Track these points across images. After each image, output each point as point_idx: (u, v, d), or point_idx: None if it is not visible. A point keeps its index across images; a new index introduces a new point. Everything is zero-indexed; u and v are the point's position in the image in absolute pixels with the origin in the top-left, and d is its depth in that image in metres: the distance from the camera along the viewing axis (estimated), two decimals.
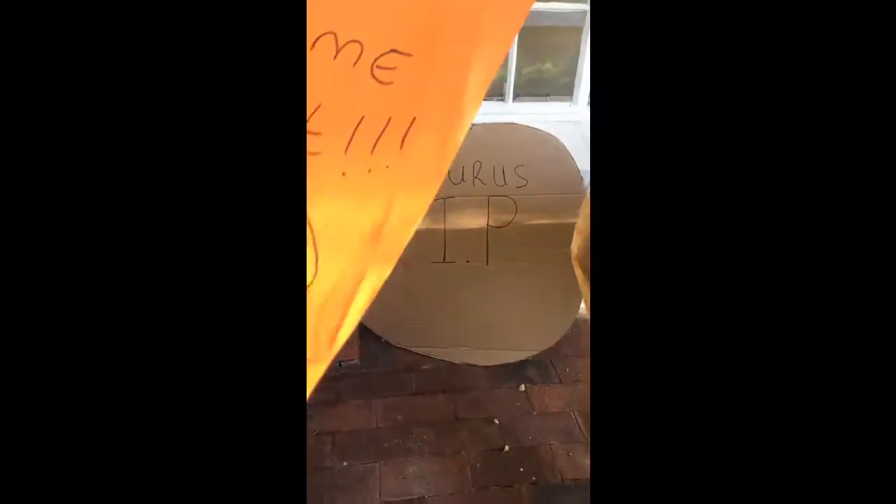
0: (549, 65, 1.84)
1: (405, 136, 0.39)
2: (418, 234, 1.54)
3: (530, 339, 1.62)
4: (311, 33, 0.37)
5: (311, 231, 0.40)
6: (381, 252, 0.41)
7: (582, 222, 0.76)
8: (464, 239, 1.59)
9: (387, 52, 0.38)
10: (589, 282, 0.80)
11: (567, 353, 1.67)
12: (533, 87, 1.83)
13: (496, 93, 1.75)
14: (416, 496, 1.25)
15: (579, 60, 1.71)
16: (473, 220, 1.58)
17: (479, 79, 0.39)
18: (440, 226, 1.57)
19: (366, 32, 0.38)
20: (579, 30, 1.67)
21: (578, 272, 0.80)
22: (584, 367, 1.65)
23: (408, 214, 0.41)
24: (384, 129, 0.39)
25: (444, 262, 1.61)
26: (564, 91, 1.80)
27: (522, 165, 1.52)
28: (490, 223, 1.58)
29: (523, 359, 1.64)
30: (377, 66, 0.38)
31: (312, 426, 1.43)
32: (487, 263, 1.60)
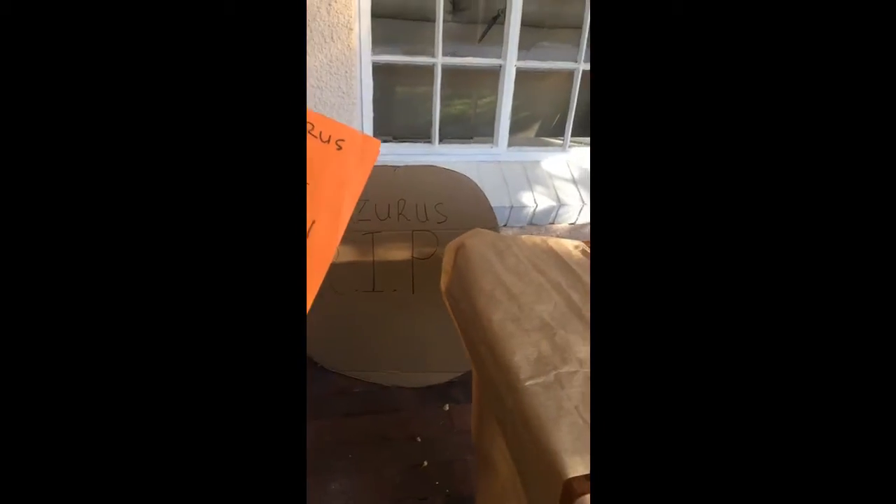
0: (487, 98, 2.02)
1: (309, 231, 0.54)
2: (350, 265, 1.67)
3: (454, 361, 1.76)
4: None
5: None
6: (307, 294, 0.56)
7: (446, 262, 0.91)
8: (391, 270, 1.72)
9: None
10: (457, 321, 0.94)
11: None
12: (458, 129, 2.00)
13: (424, 135, 1.91)
14: None
15: (498, 103, 1.89)
16: (399, 253, 1.71)
17: (347, 206, 0.54)
18: (369, 258, 1.70)
19: None
20: (497, 73, 1.85)
21: (448, 308, 0.94)
22: None
23: (316, 276, 0.55)
24: None
25: (373, 290, 1.74)
26: (487, 131, 1.97)
27: (442, 203, 1.68)
28: (414, 255, 1.72)
29: (449, 380, 1.76)
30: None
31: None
32: (413, 292, 1.73)
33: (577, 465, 0.50)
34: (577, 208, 1.92)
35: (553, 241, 0.88)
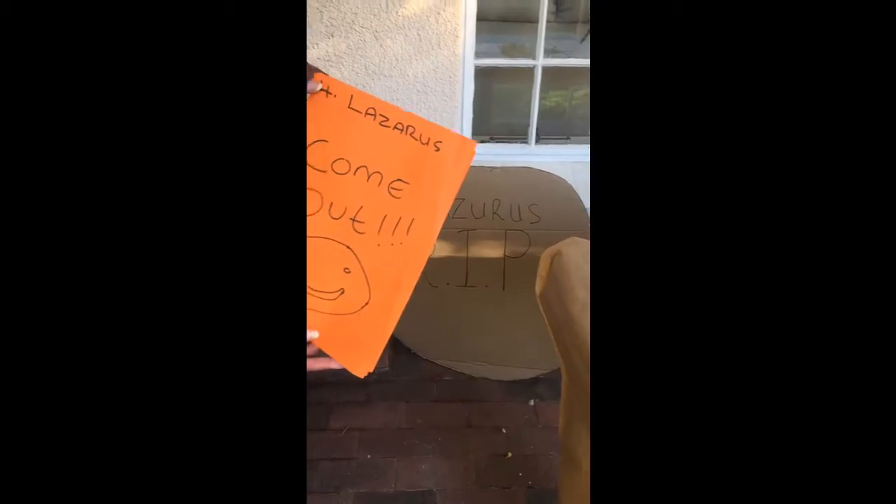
0: (581, 92, 2.01)
1: (410, 226, 0.60)
2: (444, 260, 1.77)
3: (541, 358, 1.80)
4: (353, 164, 0.60)
5: (365, 273, 0.60)
6: (402, 290, 0.61)
7: (542, 268, 0.95)
8: (483, 266, 1.79)
9: (395, 180, 0.60)
10: (550, 325, 0.98)
11: None
12: (553, 124, 2.01)
13: (520, 133, 1.95)
14: (424, 489, 1.46)
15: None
16: (492, 251, 1.78)
17: (444, 204, 0.60)
18: (463, 254, 1.78)
19: (383, 168, 0.60)
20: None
21: (543, 311, 0.99)
22: None
23: (414, 268, 0.61)
24: (398, 222, 0.61)
25: (465, 285, 1.82)
26: (582, 127, 1.96)
27: (536, 204, 1.71)
28: (507, 254, 1.77)
29: (535, 376, 1.81)
30: (391, 187, 0.60)
31: (343, 423, 1.68)
32: (504, 289, 1.79)
33: None
34: None
35: None
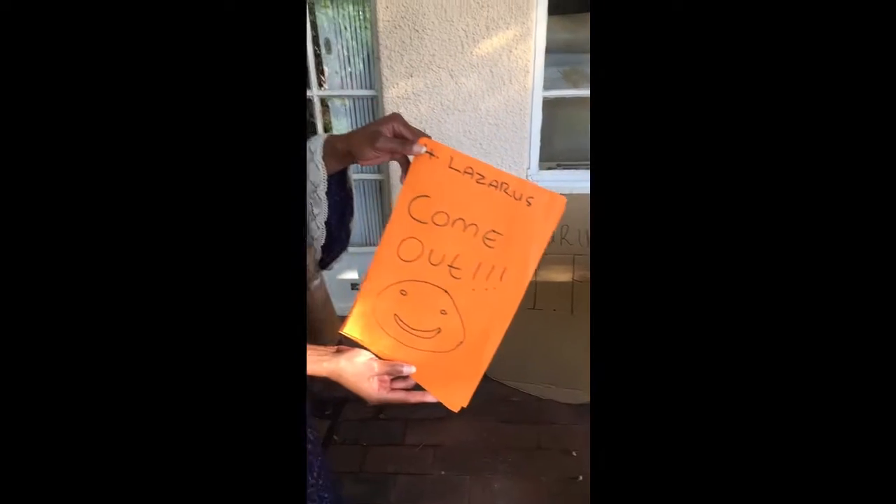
0: None
1: (503, 274, 0.65)
2: None
3: None
4: (452, 216, 0.66)
5: (461, 314, 0.66)
6: (495, 332, 0.66)
7: None
8: (552, 290, 1.83)
9: (490, 231, 0.64)
10: None
11: None
12: None
13: (584, 157, 1.99)
14: None
15: None
16: (560, 275, 1.82)
17: (535, 254, 0.64)
18: (531, 279, 1.84)
19: (479, 220, 0.66)
20: None
21: None
22: None
23: (506, 312, 0.65)
24: (492, 270, 0.67)
25: (534, 308, 1.87)
26: None
27: None
28: (575, 278, 1.81)
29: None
30: (486, 238, 0.66)
31: (418, 439, 1.76)
32: (572, 313, 1.83)
33: None
34: None
35: None
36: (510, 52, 1.63)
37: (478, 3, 1.58)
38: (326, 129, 1.93)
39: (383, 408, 1.93)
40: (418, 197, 0.66)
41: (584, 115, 1.97)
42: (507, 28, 1.61)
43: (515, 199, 0.63)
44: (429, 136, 0.65)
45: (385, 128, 0.62)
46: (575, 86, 1.89)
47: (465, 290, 0.65)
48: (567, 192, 1.78)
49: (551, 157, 2.05)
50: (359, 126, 1.93)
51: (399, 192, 0.65)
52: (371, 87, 1.84)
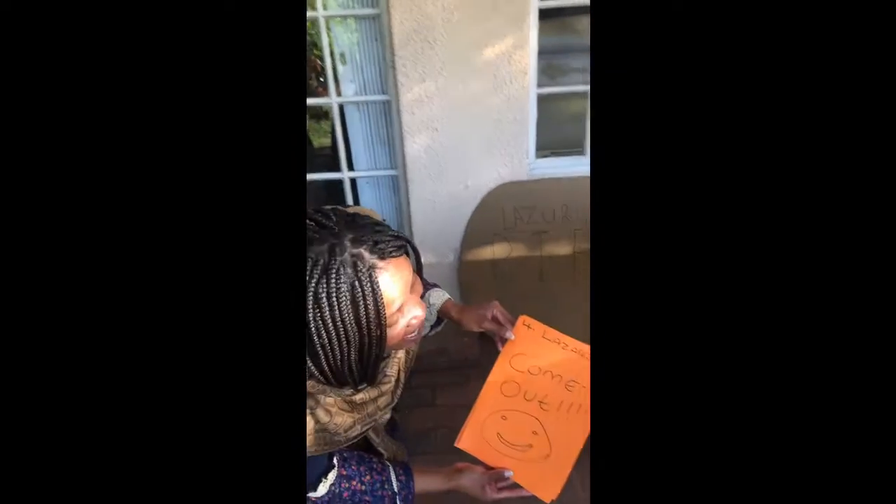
0: None
1: (579, 409, 0.85)
2: (523, 259, 2.09)
3: None
4: (543, 369, 0.88)
5: (548, 435, 0.87)
6: (573, 448, 0.86)
7: None
8: (556, 264, 2.10)
9: (570, 381, 0.86)
10: None
11: None
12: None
13: (576, 145, 2.26)
14: None
15: None
16: (563, 249, 2.08)
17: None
18: (537, 253, 2.10)
19: (563, 373, 0.87)
20: None
21: None
22: None
23: (580, 436, 0.86)
24: (571, 406, 0.86)
25: (541, 280, 2.13)
26: None
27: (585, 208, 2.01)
28: (576, 251, 2.08)
29: None
30: (567, 385, 0.86)
31: (447, 401, 2.00)
32: (574, 284, 2.10)
33: None
34: None
35: None
36: (510, 57, 1.88)
37: (481, 15, 1.83)
38: (344, 133, 2.14)
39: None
40: (517, 354, 0.91)
41: (567, 107, 2.23)
42: (506, 37, 1.86)
43: (588, 360, 0.86)
44: (531, 318, 0.91)
45: (488, 312, 0.90)
46: (553, 80, 2.16)
47: (551, 418, 0.87)
48: (562, 175, 2.03)
49: (545, 147, 2.31)
50: (372, 128, 2.12)
51: (502, 351, 0.90)
52: (384, 93, 2.07)
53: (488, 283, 2.14)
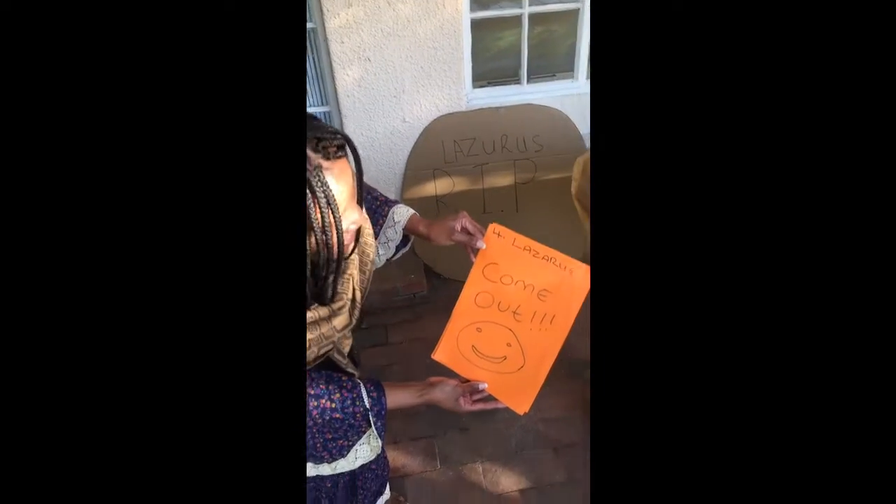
0: (555, 25, 2.29)
1: (552, 319, 0.85)
2: (464, 193, 2.08)
3: None
4: (515, 279, 0.87)
5: (521, 347, 0.87)
6: (546, 360, 0.87)
7: (575, 172, 1.28)
8: (498, 195, 2.10)
9: (543, 290, 0.86)
10: (587, 214, 1.30)
11: None
12: (542, 64, 2.29)
13: (513, 76, 2.22)
14: None
15: (578, 42, 2.16)
16: (504, 180, 2.09)
17: (574, 308, 0.85)
18: (479, 186, 2.09)
19: (535, 282, 0.86)
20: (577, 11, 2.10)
21: (578, 208, 1.31)
22: None
23: (554, 346, 0.86)
24: (544, 316, 0.86)
25: (484, 212, 2.13)
26: (568, 63, 2.25)
27: (538, 135, 2.02)
28: (517, 181, 2.09)
29: None
30: (540, 294, 0.86)
31: (401, 337, 2.01)
32: (517, 211, 2.12)
33: None
34: None
35: None
36: None
37: None
38: None
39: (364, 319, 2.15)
40: (489, 264, 0.89)
41: (499, 36, 2.18)
42: None
43: (561, 269, 0.86)
44: (502, 226, 0.87)
45: (457, 224, 0.87)
46: (484, 7, 2.09)
47: (524, 329, 0.88)
48: (499, 105, 2.00)
49: (481, 77, 2.26)
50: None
51: (475, 261, 0.88)
52: (309, 20, 1.92)
53: (432, 219, 2.12)
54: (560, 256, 0.86)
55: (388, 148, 2.07)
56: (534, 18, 2.08)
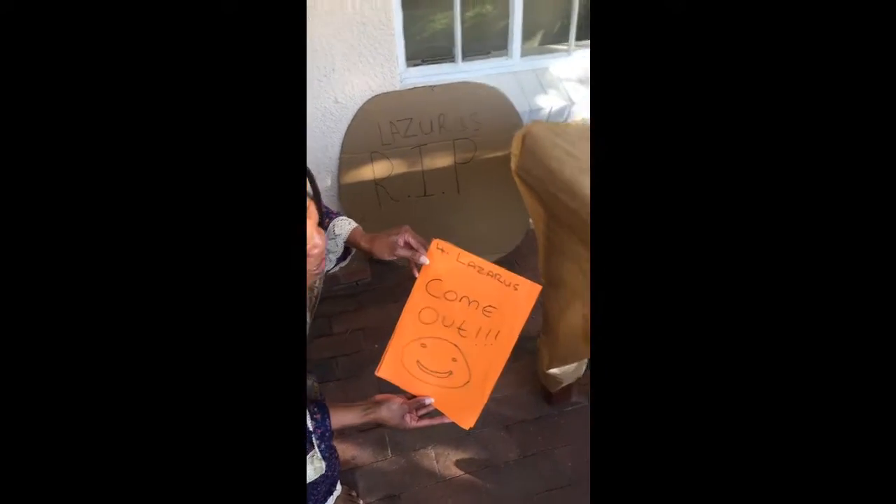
0: (489, 6, 2.26)
1: (497, 335, 0.84)
2: (403, 175, 2.03)
3: (497, 244, 2.15)
4: (459, 294, 0.85)
5: (467, 362, 0.86)
6: (492, 374, 0.86)
7: (514, 147, 1.25)
8: (438, 175, 2.06)
9: (487, 306, 0.84)
10: (529, 190, 1.29)
11: (526, 253, 2.21)
12: (477, 44, 2.26)
13: (448, 55, 2.18)
14: None
15: (511, 18, 2.14)
16: (443, 160, 2.05)
17: (519, 323, 0.84)
18: (419, 168, 2.04)
19: (480, 298, 0.84)
20: None
21: (518, 182, 1.29)
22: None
23: (499, 362, 0.86)
24: (489, 332, 0.85)
25: (424, 195, 2.09)
26: (502, 42, 2.23)
27: (476, 113, 1.99)
28: (457, 161, 2.05)
29: (496, 259, 2.16)
30: (485, 310, 0.84)
31: (348, 327, 1.95)
32: (458, 192, 2.09)
33: None
34: (587, 105, 2.23)
35: (582, 121, 1.22)
36: None
37: None
38: None
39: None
40: (433, 280, 0.86)
41: (432, 19, 2.12)
42: None
43: (505, 285, 0.84)
44: (445, 241, 0.85)
45: (399, 239, 0.85)
46: None
47: (469, 345, 0.86)
48: (435, 83, 1.95)
49: (417, 56, 2.20)
50: None
51: (418, 277, 0.87)
52: None
53: (372, 205, 2.06)
54: (504, 273, 0.85)
55: (321, 131, 1.98)
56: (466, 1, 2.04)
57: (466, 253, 0.87)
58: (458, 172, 2.07)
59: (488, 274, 0.86)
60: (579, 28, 2.28)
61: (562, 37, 2.37)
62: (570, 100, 2.21)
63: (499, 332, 0.86)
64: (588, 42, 2.33)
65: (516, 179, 1.29)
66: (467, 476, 1.47)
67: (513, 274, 0.85)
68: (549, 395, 1.59)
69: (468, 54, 2.18)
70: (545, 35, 2.51)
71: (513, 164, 1.28)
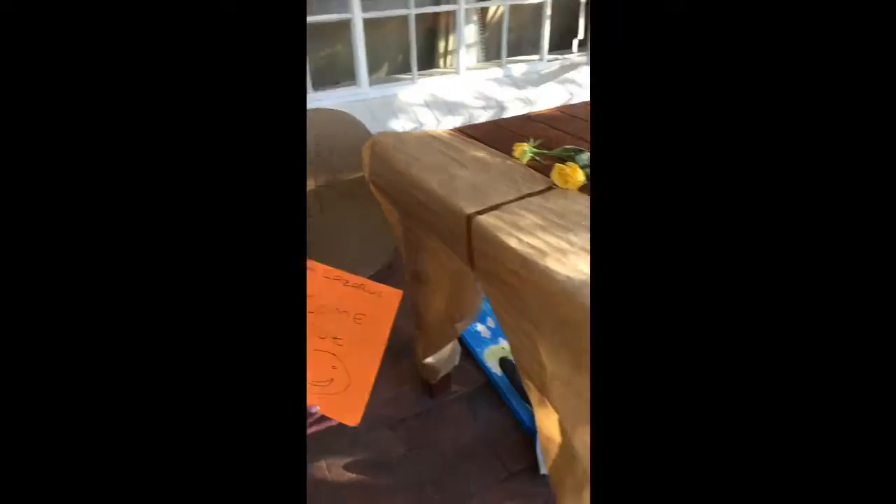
0: (339, 46, 2.39)
1: (369, 338, 0.90)
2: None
3: (368, 260, 2.24)
4: (330, 307, 0.90)
5: (346, 367, 0.91)
6: (369, 374, 0.91)
7: (364, 157, 1.37)
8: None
9: (357, 314, 0.91)
10: (382, 194, 1.40)
11: (397, 267, 2.33)
12: (328, 75, 2.38)
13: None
14: None
15: (355, 51, 2.29)
16: (307, 185, 2.11)
17: (385, 326, 0.92)
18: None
19: (349, 308, 0.91)
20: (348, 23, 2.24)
21: (373, 188, 1.41)
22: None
23: (374, 362, 0.91)
24: (362, 336, 0.91)
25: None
26: (350, 75, 2.38)
27: (331, 136, 2.09)
28: (318, 184, 2.12)
29: (368, 276, 2.24)
30: (355, 318, 0.90)
31: None
32: (322, 212, 2.16)
33: (469, 208, 1.04)
34: (434, 126, 2.45)
35: (432, 132, 1.39)
36: None
37: None
38: None
39: None
40: (306, 297, 0.94)
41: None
42: None
43: (370, 293, 0.95)
44: (314, 261, 0.93)
45: None
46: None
47: (346, 351, 0.94)
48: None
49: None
50: None
51: None
52: None
53: None
54: (368, 283, 0.97)
55: None
56: (317, 41, 2.16)
57: (332, 268, 0.96)
58: (320, 195, 2.14)
59: (354, 286, 0.96)
60: (420, 59, 2.51)
61: (405, 68, 2.60)
62: (418, 122, 2.41)
63: (370, 336, 0.94)
64: (428, 71, 2.57)
65: (371, 186, 1.41)
66: (359, 477, 1.51)
67: (376, 283, 0.96)
68: (430, 387, 1.69)
69: (320, 85, 2.29)
70: (391, 66, 2.73)
71: (365, 172, 1.39)
